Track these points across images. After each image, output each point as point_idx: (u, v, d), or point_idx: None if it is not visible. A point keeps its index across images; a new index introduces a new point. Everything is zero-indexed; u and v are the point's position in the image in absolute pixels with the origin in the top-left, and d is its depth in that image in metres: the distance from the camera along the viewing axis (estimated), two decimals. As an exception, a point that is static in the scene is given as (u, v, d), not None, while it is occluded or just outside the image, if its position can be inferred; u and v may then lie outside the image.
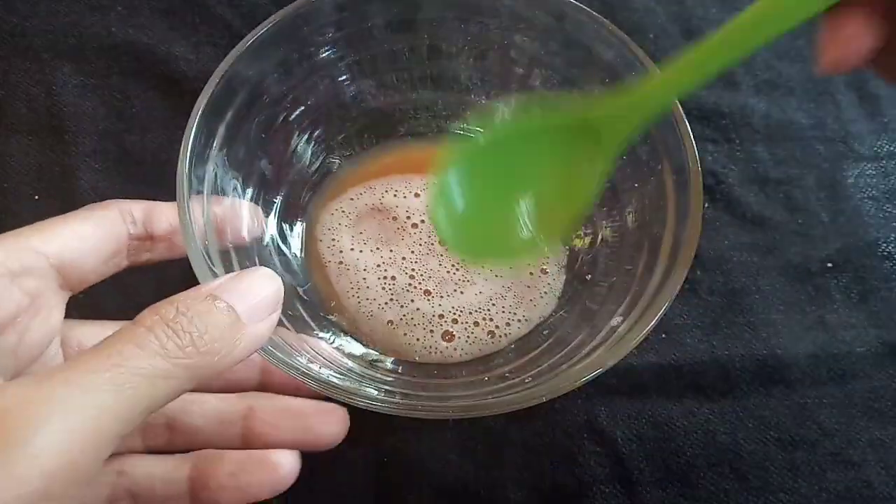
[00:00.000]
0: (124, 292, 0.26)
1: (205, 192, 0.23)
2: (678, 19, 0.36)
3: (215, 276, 0.20)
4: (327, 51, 0.27)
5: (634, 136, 0.21)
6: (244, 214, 0.25)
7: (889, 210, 0.33)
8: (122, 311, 0.21)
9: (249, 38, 0.24)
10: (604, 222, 0.28)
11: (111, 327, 0.22)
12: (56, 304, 0.20)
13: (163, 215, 0.22)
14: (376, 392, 0.22)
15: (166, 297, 0.17)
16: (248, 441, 0.22)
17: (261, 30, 0.24)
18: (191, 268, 0.20)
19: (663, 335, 0.29)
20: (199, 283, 0.19)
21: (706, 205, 0.32)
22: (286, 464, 0.21)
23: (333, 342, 0.26)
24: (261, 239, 0.26)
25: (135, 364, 0.15)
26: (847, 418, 0.28)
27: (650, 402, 0.28)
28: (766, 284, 0.30)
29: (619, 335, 0.22)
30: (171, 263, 0.23)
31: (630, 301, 0.23)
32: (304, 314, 0.26)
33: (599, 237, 0.28)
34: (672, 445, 0.27)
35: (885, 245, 0.32)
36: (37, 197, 0.30)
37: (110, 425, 0.14)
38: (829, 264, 0.31)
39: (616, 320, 0.23)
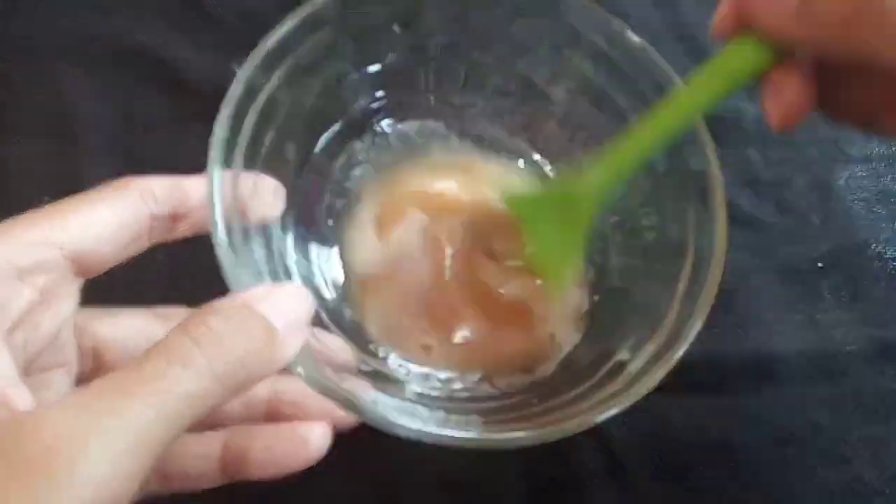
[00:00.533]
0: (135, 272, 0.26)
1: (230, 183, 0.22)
2: (674, 26, 0.37)
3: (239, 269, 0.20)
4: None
5: (596, 213, 0.24)
6: (267, 193, 0.24)
7: (879, 211, 0.33)
8: (132, 290, 0.22)
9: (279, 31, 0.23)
10: (617, 252, 0.28)
11: (124, 318, 0.22)
12: (69, 294, 0.19)
13: (188, 192, 0.20)
14: (381, 407, 0.21)
15: (177, 279, 0.16)
16: (275, 422, 0.21)
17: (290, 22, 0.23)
18: (201, 251, 0.20)
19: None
20: (218, 270, 0.18)
21: (699, 206, 0.33)
22: (314, 439, 0.20)
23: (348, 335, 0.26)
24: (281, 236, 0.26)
25: (181, 389, 0.14)
26: (838, 415, 0.29)
27: (645, 398, 0.29)
28: (759, 285, 0.31)
29: (629, 374, 0.22)
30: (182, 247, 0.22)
31: (641, 338, 0.23)
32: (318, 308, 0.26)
33: (613, 267, 0.28)
34: (666, 440, 0.28)
35: (875, 246, 0.32)
36: (46, 199, 0.31)
37: (152, 449, 0.14)
38: (820, 265, 0.32)
39: (624, 354, 0.23)
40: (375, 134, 0.30)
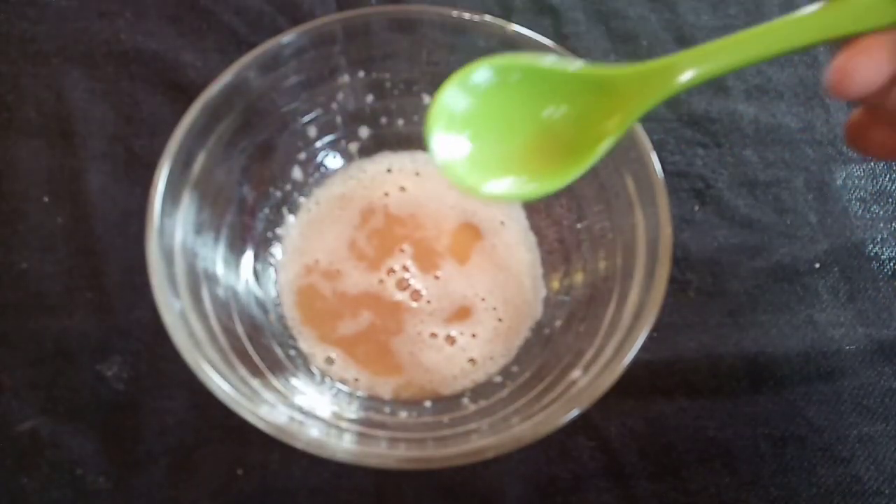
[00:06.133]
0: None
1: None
2: (671, 27, 0.37)
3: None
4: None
5: (655, 106, 0.21)
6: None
7: (876, 211, 0.33)
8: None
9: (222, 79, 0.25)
10: (579, 266, 0.28)
11: None
12: None
13: None
14: (318, 432, 0.22)
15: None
16: None
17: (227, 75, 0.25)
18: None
19: (655, 334, 0.30)
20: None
21: (696, 207, 0.33)
22: None
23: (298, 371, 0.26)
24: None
25: None
26: (836, 415, 0.29)
27: (643, 398, 0.29)
28: (755, 285, 0.31)
29: (579, 388, 0.22)
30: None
31: (593, 355, 0.23)
32: (275, 346, 0.27)
33: (571, 283, 0.28)
34: (664, 440, 0.28)
35: (871, 246, 0.32)
36: (46, 199, 0.31)
37: None
38: (817, 265, 0.32)
39: (577, 373, 0.23)
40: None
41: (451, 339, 0.28)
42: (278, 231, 0.30)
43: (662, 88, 0.21)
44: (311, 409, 0.24)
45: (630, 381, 0.29)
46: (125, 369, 0.28)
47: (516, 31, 0.27)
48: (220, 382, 0.21)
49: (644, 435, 0.28)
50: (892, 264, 0.32)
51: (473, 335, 0.28)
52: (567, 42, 0.36)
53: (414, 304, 0.29)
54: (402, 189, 0.31)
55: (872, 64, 0.18)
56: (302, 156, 0.30)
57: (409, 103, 0.30)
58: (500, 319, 0.29)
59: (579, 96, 0.22)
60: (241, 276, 0.27)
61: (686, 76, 0.20)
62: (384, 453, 0.21)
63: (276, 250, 0.30)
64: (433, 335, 0.28)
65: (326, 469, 0.26)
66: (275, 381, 0.24)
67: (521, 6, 0.37)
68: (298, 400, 0.24)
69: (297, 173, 0.30)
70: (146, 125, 0.33)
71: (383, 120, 0.31)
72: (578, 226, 0.29)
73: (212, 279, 0.25)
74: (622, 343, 0.22)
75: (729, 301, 0.31)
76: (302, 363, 0.27)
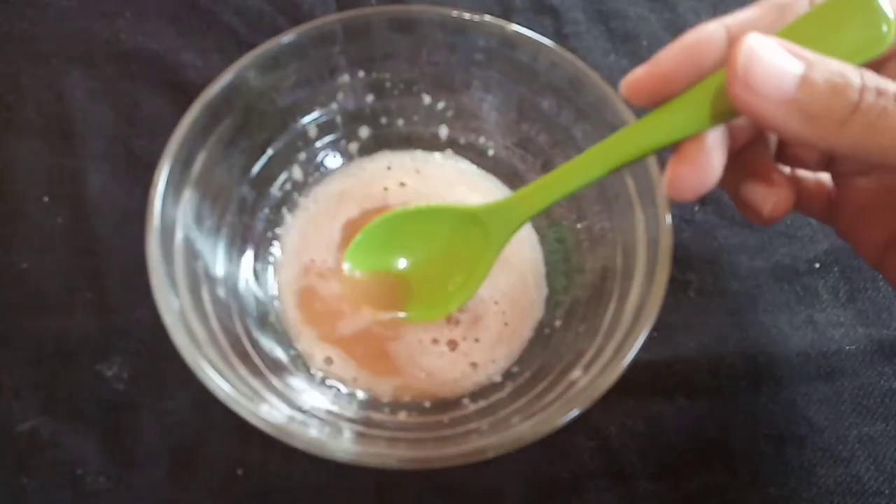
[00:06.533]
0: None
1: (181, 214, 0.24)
2: (671, 27, 0.37)
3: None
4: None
5: (514, 232, 0.26)
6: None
7: (876, 212, 0.33)
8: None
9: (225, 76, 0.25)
10: (579, 266, 0.28)
11: None
12: None
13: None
14: (317, 432, 0.22)
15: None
16: None
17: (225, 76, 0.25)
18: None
19: (655, 333, 0.29)
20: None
21: (696, 207, 0.33)
22: None
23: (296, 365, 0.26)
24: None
25: None
26: (836, 414, 0.29)
27: (642, 398, 0.29)
28: (755, 285, 0.31)
29: (579, 388, 0.22)
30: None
31: (593, 355, 0.23)
32: (275, 346, 0.27)
33: (571, 283, 0.29)
34: (664, 440, 0.28)
35: (871, 246, 0.32)
36: (46, 199, 0.31)
37: None
38: (817, 265, 0.32)
39: (577, 373, 0.23)
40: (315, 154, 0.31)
41: (452, 343, 0.28)
42: (278, 231, 0.30)
43: (519, 217, 0.25)
44: (310, 409, 0.24)
45: (630, 381, 0.28)
46: (125, 369, 0.28)
47: (516, 31, 0.27)
48: (220, 382, 0.21)
49: (644, 435, 0.28)
50: (892, 264, 0.32)
51: (477, 340, 0.28)
52: (567, 42, 0.36)
53: None
54: (402, 185, 0.31)
55: (696, 171, 0.19)
56: (302, 156, 0.30)
57: (409, 103, 0.31)
58: (505, 324, 0.29)
59: (461, 229, 0.27)
60: (241, 276, 0.27)
61: (537, 204, 0.24)
62: (384, 453, 0.21)
63: (276, 250, 0.30)
64: (434, 341, 0.28)
65: (326, 469, 0.26)
66: (275, 381, 0.24)
67: (521, 6, 0.37)
68: (298, 400, 0.24)
69: (297, 173, 0.30)
70: (146, 125, 0.33)
71: (383, 120, 0.31)
72: (578, 226, 0.29)
73: (212, 279, 0.25)
74: (622, 343, 0.22)
75: (729, 301, 0.31)
76: (302, 363, 0.27)
